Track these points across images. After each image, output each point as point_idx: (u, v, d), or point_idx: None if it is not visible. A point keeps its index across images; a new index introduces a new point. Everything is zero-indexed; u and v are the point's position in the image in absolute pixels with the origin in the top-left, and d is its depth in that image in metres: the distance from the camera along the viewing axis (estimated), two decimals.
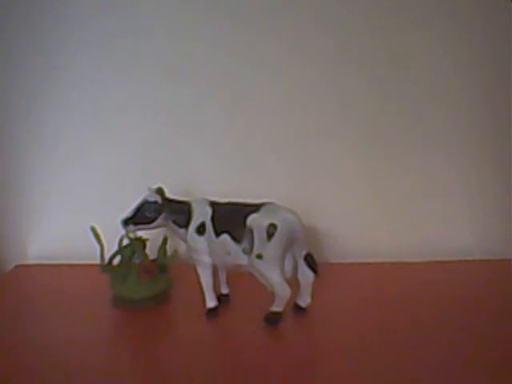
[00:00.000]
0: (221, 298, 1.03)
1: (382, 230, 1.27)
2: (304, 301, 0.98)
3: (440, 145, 1.24)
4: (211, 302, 0.98)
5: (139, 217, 0.96)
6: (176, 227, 0.97)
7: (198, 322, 0.96)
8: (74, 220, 1.27)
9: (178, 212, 0.96)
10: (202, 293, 1.00)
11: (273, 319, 0.93)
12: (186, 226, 0.96)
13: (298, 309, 0.99)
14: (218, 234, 0.92)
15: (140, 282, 1.01)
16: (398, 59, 1.20)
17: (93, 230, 1.01)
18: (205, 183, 1.23)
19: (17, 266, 1.24)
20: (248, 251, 0.91)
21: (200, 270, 0.97)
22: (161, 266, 1.04)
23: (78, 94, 1.23)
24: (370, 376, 0.79)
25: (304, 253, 0.94)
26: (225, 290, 1.04)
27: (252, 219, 0.90)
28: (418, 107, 1.22)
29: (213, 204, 0.96)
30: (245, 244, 0.91)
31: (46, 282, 1.15)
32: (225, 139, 1.24)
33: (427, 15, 1.18)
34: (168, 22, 1.19)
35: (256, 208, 0.91)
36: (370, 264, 1.20)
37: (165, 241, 1.05)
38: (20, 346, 0.89)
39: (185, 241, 0.97)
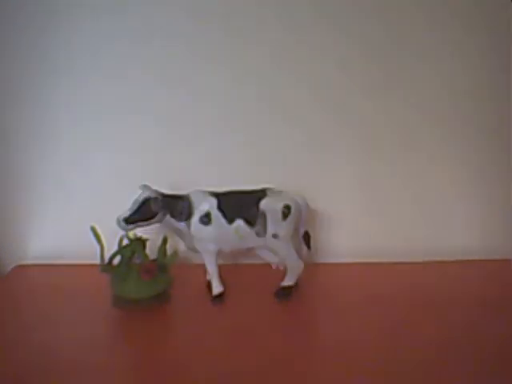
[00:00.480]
0: (215, 298, 1.04)
1: (382, 229, 1.27)
2: (290, 279, 1.04)
3: (441, 144, 1.24)
4: (218, 288, 1.02)
5: (140, 214, 0.97)
6: (174, 221, 0.99)
7: (197, 322, 0.96)
8: (74, 220, 1.27)
9: (177, 206, 0.99)
10: (207, 282, 1.06)
11: (284, 293, 1.03)
12: (186, 218, 0.99)
13: (283, 289, 1.03)
14: (230, 221, 0.98)
15: (140, 281, 1.01)
16: (399, 61, 1.20)
17: (93, 230, 1.01)
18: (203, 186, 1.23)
19: (17, 266, 1.24)
20: (261, 234, 0.99)
21: (206, 258, 1.02)
22: (161, 266, 1.04)
23: (78, 95, 1.22)
24: (369, 375, 0.79)
25: (303, 231, 1.05)
26: (219, 289, 1.04)
27: (265, 203, 0.99)
28: (419, 107, 1.22)
29: (215, 194, 1.01)
30: (258, 227, 0.99)
31: (45, 282, 1.15)
32: (223, 141, 1.24)
33: (428, 15, 1.18)
34: (166, 26, 1.19)
35: (262, 193, 1.01)
36: (368, 264, 1.20)
37: (165, 241, 1.05)
38: (20, 346, 0.89)
39: (182, 234, 1.01)
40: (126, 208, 1.01)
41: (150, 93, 1.22)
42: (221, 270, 1.06)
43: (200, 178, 1.21)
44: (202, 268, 1.10)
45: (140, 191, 1.06)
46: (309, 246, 1.07)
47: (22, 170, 1.26)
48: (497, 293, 1.05)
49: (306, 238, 1.06)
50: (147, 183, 1.12)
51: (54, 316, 0.99)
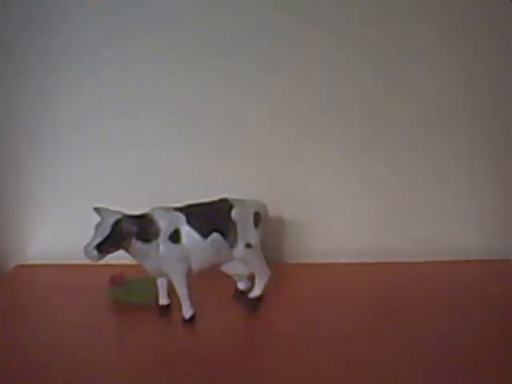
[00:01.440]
0: (161, 309, 0.99)
1: (381, 230, 1.27)
2: (259, 289, 0.99)
3: (442, 144, 1.24)
4: (190, 311, 0.95)
5: (114, 239, 0.86)
6: (140, 243, 0.88)
7: (197, 321, 0.96)
8: (74, 220, 1.26)
9: (144, 225, 0.89)
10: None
11: (256, 304, 0.98)
12: (153, 238, 0.89)
13: (241, 293, 1.02)
14: (205, 235, 0.92)
15: (139, 286, 1.02)
16: (398, 61, 1.20)
17: None
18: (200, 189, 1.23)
19: (17, 266, 1.24)
20: (233, 244, 0.94)
21: (176, 279, 0.93)
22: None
23: (78, 97, 1.23)
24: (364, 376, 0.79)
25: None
26: (165, 301, 0.99)
27: (237, 212, 0.94)
28: (418, 108, 1.22)
29: (182, 209, 0.94)
30: (231, 238, 0.94)
31: (45, 282, 1.15)
32: (221, 142, 1.24)
33: (427, 16, 1.18)
34: (170, 29, 1.20)
35: (228, 202, 0.96)
36: (368, 264, 1.20)
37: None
38: (20, 346, 0.89)
39: (146, 257, 0.91)
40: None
41: (150, 93, 1.22)
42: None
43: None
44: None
45: (98, 217, 0.90)
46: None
47: (22, 170, 1.26)
48: (497, 293, 1.05)
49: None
50: (96, 206, 0.93)
51: (54, 315, 0.99)
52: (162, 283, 0.98)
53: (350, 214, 1.27)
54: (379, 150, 1.24)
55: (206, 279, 1.06)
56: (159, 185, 1.23)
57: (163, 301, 0.98)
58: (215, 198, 0.99)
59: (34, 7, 1.19)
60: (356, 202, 1.26)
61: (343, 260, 1.24)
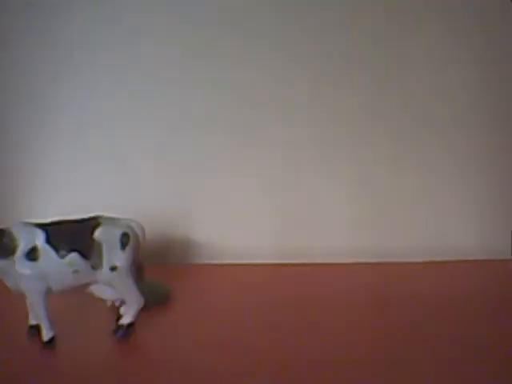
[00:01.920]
0: (29, 329, 0.94)
1: (381, 230, 1.27)
2: (129, 316, 0.92)
3: (441, 143, 1.24)
4: (49, 333, 0.90)
5: None
6: None
7: (197, 322, 0.96)
8: None
9: (1, 241, 0.86)
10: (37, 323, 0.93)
11: (126, 332, 0.91)
12: (9, 254, 0.86)
13: (119, 327, 0.92)
14: (62, 255, 0.87)
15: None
16: (398, 59, 1.20)
17: None
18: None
19: None
20: (97, 266, 0.89)
21: (34, 299, 0.88)
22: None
23: (79, 99, 1.23)
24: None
25: (137, 261, 0.95)
26: (34, 322, 0.95)
27: (101, 232, 0.89)
28: (418, 105, 1.22)
29: (42, 225, 0.90)
30: (94, 259, 0.89)
31: None
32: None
33: (426, 21, 1.18)
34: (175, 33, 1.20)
35: (95, 221, 0.90)
36: (368, 264, 1.20)
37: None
38: (20, 346, 0.89)
39: (6, 274, 0.88)
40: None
41: (151, 97, 1.23)
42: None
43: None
44: (200, 267, 1.10)
45: None
46: (140, 278, 0.96)
47: (22, 171, 1.27)
48: (497, 293, 1.05)
49: (140, 269, 0.96)
50: None
51: (54, 315, 0.99)
52: (42, 315, 0.90)
53: (349, 214, 1.27)
54: (379, 150, 1.24)
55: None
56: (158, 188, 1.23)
57: (32, 321, 0.93)
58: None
59: (38, 8, 1.19)
60: (355, 202, 1.26)
61: (343, 260, 1.24)
